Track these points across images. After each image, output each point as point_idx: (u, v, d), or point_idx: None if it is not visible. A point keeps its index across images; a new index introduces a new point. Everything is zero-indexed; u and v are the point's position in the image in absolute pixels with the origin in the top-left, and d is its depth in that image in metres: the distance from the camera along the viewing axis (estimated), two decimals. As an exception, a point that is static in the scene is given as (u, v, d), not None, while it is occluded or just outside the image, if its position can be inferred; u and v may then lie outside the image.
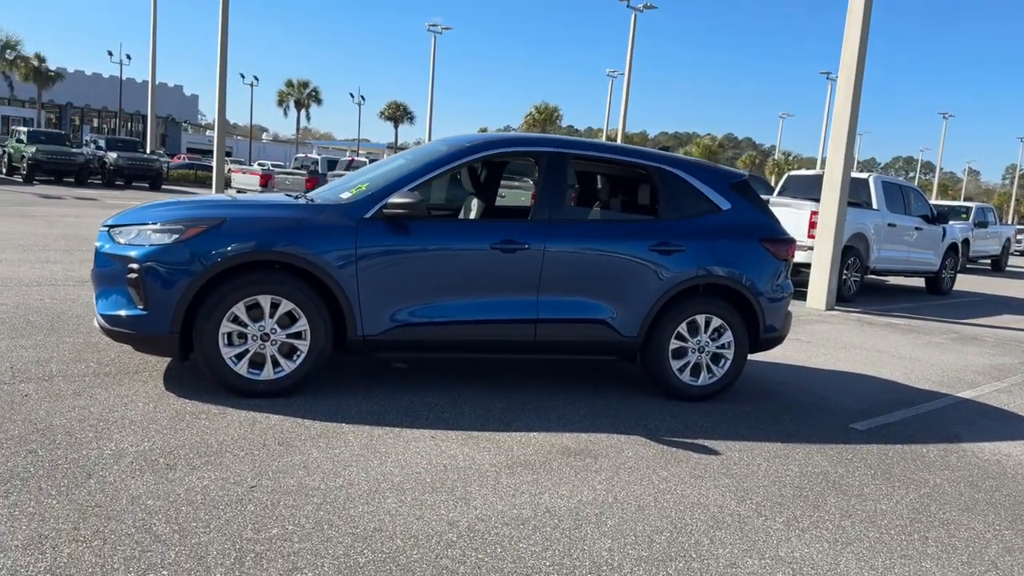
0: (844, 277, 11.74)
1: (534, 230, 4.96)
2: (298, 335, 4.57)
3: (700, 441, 4.56)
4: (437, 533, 3.10)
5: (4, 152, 28.43)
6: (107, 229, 4.68)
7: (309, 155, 32.97)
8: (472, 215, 5.93)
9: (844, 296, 11.77)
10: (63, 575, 2.53)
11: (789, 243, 5.66)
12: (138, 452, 3.58)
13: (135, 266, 4.38)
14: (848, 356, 7.69)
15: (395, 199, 4.65)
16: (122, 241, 4.54)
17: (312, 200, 5.00)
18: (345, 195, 4.91)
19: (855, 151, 11.42)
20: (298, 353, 4.58)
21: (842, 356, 7.66)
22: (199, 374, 4.68)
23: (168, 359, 5.08)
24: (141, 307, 4.40)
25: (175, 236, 4.43)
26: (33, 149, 25.47)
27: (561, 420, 4.70)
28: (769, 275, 5.49)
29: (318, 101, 65.89)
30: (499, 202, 6.76)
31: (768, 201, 12.05)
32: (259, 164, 39.02)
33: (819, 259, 11.10)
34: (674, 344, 5.29)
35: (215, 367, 4.45)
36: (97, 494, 3.12)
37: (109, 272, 4.54)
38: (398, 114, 71.00)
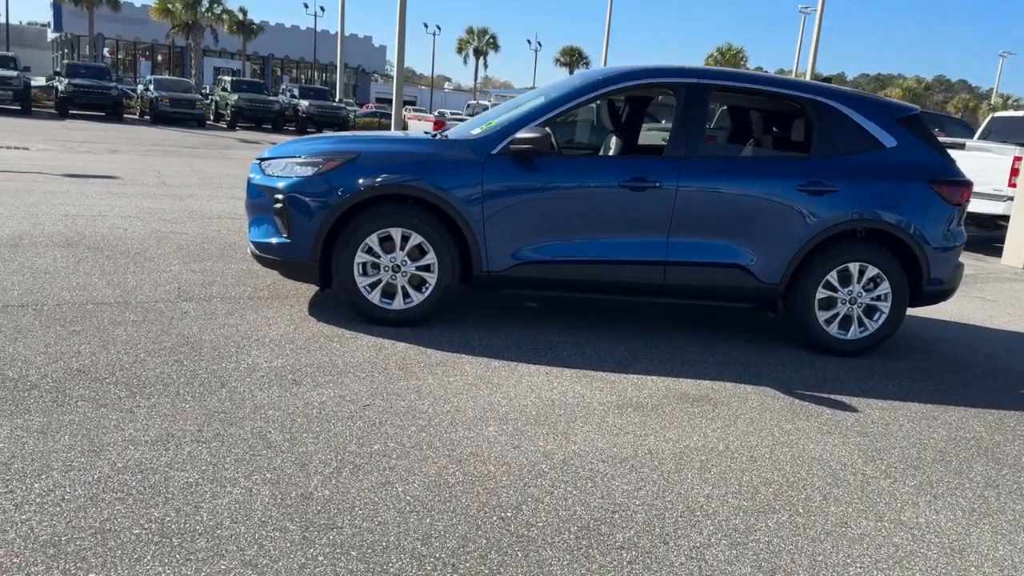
0: (1052, 232, 10.36)
1: (667, 167, 4.75)
2: (427, 268, 4.69)
3: (837, 397, 4.24)
4: (531, 463, 3.10)
5: (212, 100, 31.20)
6: (259, 162, 5.00)
7: (480, 102, 33.59)
8: (611, 154, 5.77)
9: (1051, 253, 10.40)
10: (179, 470, 2.78)
11: (964, 186, 5.04)
12: (270, 368, 3.86)
13: (280, 197, 4.66)
14: (1040, 318, 6.82)
15: (521, 134, 4.61)
16: (270, 173, 4.84)
17: (445, 136, 5.06)
18: (475, 131, 4.93)
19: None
20: (427, 285, 4.71)
21: (1033, 318, 6.80)
22: (340, 302, 4.94)
23: (315, 288, 5.41)
24: (286, 235, 4.69)
25: (315, 169, 4.66)
26: (235, 97, 27.73)
27: (685, 366, 4.54)
28: (937, 221, 4.93)
29: (495, 48, 66.77)
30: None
31: (964, 145, 10.85)
32: (439, 112, 40.28)
33: (1020, 211, 9.86)
34: (822, 294, 4.92)
35: (351, 294, 4.68)
36: (225, 402, 3.39)
37: (259, 202, 4.86)
38: (573, 59, 70.37)
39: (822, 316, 4.95)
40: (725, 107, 5.93)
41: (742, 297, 4.98)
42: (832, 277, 4.89)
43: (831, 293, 4.93)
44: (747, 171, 4.91)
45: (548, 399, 3.80)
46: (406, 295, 4.72)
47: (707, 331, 5.35)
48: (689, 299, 5.03)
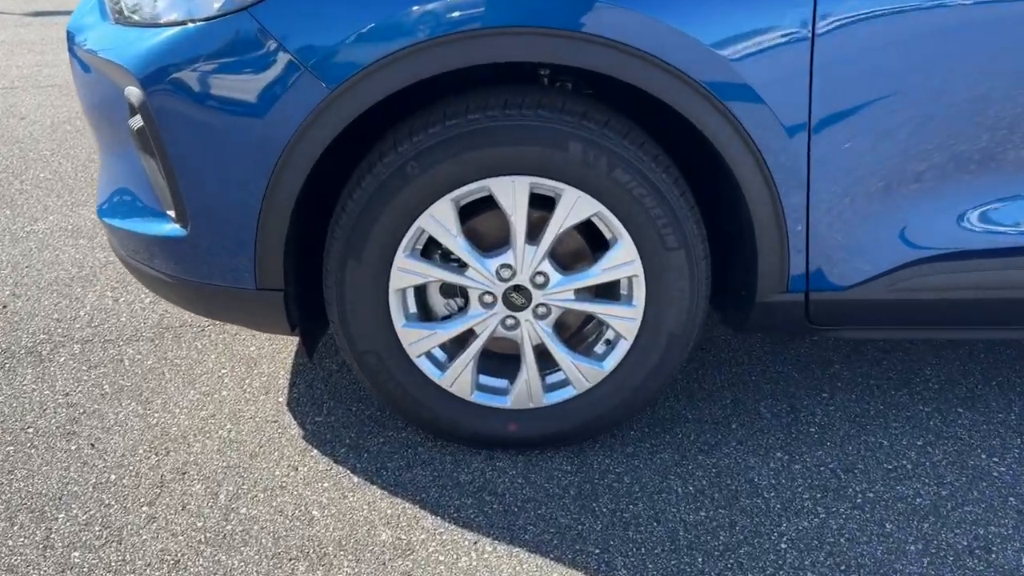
0: None
1: None
2: (610, 290, 1.50)
3: None
4: None
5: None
6: (99, -16, 1.75)
7: None
8: None
9: None
10: None
11: None
12: None
13: (140, 97, 1.44)
14: None
15: None
16: (127, 17, 1.58)
17: None
18: None
19: None
20: (613, 338, 1.53)
21: None
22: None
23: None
24: (174, 216, 1.53)
25: (232, -6, 1.39)
26: None
27: None
28: None
29: None
30: None
31: None
32: None
33: None
34: None
35: (384, 377, 1.56)
36: None
37: (101, 110, 1.66)
38: None
39: None
40: None
41: None
42: None
43: None
44: None
45: None
46: (546, 366, 1.56)
47: None
48: None
